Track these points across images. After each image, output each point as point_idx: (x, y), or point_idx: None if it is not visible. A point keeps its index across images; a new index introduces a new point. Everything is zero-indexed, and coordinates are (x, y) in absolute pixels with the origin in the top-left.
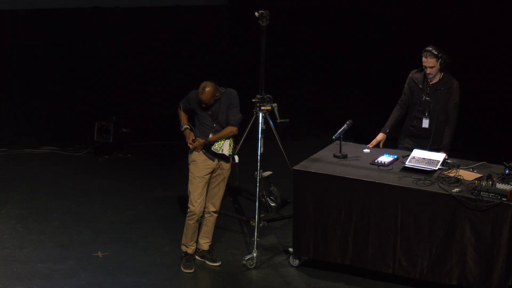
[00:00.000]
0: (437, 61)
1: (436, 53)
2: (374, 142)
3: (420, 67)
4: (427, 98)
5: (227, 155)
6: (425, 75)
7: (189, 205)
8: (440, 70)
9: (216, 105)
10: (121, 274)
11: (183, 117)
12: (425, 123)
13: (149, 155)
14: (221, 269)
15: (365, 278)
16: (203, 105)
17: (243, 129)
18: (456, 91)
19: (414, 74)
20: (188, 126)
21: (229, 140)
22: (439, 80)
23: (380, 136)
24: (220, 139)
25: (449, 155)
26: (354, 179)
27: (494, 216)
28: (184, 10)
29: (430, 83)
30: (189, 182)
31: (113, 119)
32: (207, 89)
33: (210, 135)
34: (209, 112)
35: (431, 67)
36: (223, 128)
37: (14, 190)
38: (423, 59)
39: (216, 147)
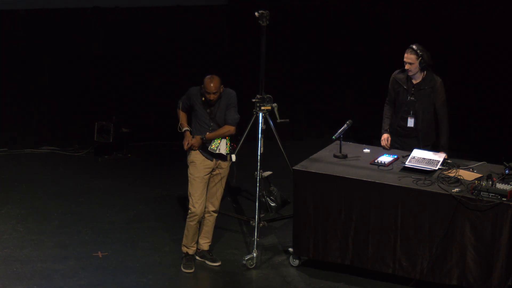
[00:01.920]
0: (417, 58)
1: (417, 50)
2: (386, 142)
3: (402, 68)
4: (411, 98)
5: (225, 154)
6: (408, 76)
7: (190, 206)
8: (421, 69)
9: (216, 104)
10: (121, 274)
11: (182, 117)
12: (410, 122)
13: (149, 155)
14: (221, 269)
15: (365, 278)
16: (211, 96)
17: (243, 129)
18: (441, 89)
19: (397, 75)
20: (188, 129)
21: (225, 139)
22: (422, 79)
23: (386, 135)
24: (217, 137)
25: (449, 155)
26: (354, 179)
27: (494, 216)
28: (184, 10)
29: (414, 83)
30: (189, 183)
31: (113, 119)
32: (215, 79)
33: (207, 133)
34: (208, 110)
35: (410, 63)
36: (219, 127)
37: (14, 190)
38: (405, 54)
39: (213, 147)
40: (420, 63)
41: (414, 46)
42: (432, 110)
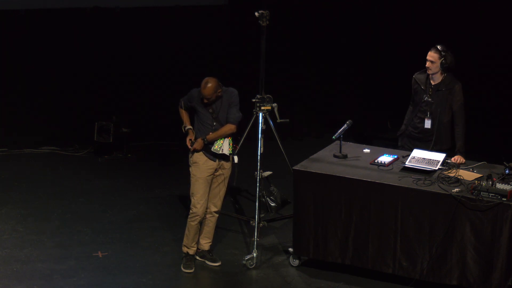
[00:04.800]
0: (439, 58)
1: (441, 50)
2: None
3: (423, 69)
4: (428, 99)
5: (228, 154)
6: (428, 76)
7: (192, 206)
8: (442, 70)
9: (217, 103)
10: (121, 274)
11: (185, 116)
12: (427, 123)
13: (149, 155)
14: (221, 269)
15: (365, 278)
16: (205, 100)
17: (243, 129)
18: (459, 92)
19: (417, 75)
20: (190, 127)
21: (228, 139)
22: (441, 81)
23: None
24: (219, 137)
25: (451, 155)
26: (354, 179)
27: (494, 216)
28: (184, 10)
29: (433, 84)
30: (192, 184)
31: (113, 119)
32: (209, 84)
33: (210, 133)
34: (210, 110)
35: (431, 62)
36: (222, 126)
37: (14, 190)
38: (429, 52)
39: (216, 147)
40: (441, 64)
41: (439, 46)
42: (449, 114)
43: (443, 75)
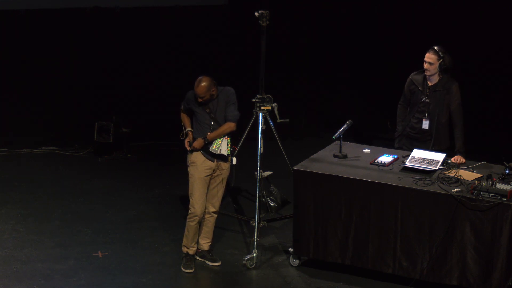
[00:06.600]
0: (438, 60)
1: (439, 52)
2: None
3: (420, 69)
4: (426, 100)
5: (226, 154)
6: (425, 77)
7: (190, 207)
8: (440, 71)
9: (214, 102)
10: (121, 274)
11: (186, 120)
12: (425, 124)
13: (149, 155)
14: (221, 269)
15: (365, 278)
16: (199, 99)
17: (243, 129)
18: (456, 92)
19: (414, 76)
20: (190, 129)
21: (226, 139)
22: (438, 81)
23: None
24: (219, 135)
25: (451, 155)
26: (354, 179)
27: (494, 216)
28: (184, 10)
29: (430, 85)
30: (190, 184)
31: (113, 119)
32: (202, 83)
33: (208, 134)
34: (207, 110)
35: (430, 63)
36: (220, 126)
37: (14, 190)
38: (426, 54)
39: (214, 147)
40: (440, 65)
41: (436, 48)
42: (447, 114)
43: (440, 76)
